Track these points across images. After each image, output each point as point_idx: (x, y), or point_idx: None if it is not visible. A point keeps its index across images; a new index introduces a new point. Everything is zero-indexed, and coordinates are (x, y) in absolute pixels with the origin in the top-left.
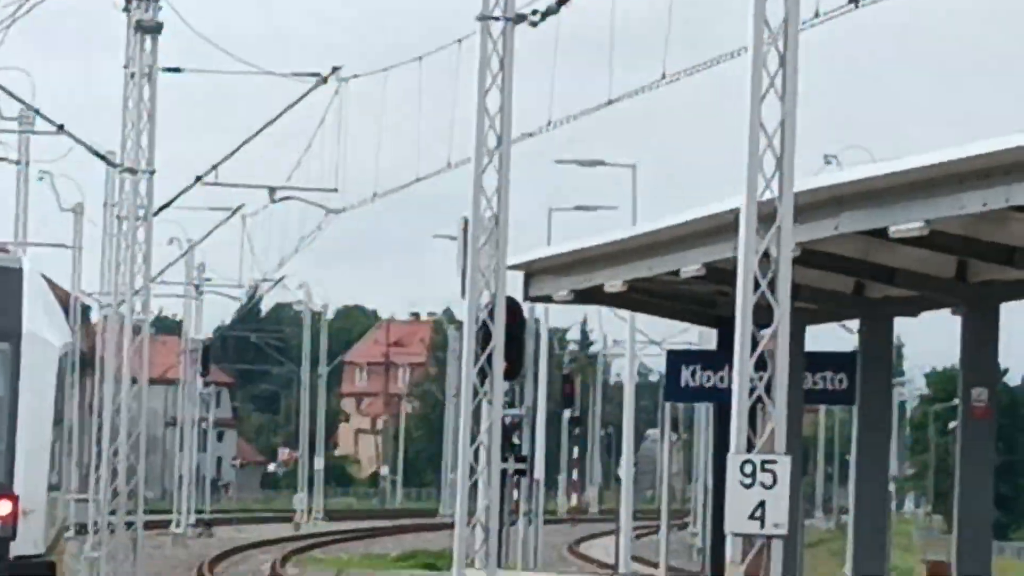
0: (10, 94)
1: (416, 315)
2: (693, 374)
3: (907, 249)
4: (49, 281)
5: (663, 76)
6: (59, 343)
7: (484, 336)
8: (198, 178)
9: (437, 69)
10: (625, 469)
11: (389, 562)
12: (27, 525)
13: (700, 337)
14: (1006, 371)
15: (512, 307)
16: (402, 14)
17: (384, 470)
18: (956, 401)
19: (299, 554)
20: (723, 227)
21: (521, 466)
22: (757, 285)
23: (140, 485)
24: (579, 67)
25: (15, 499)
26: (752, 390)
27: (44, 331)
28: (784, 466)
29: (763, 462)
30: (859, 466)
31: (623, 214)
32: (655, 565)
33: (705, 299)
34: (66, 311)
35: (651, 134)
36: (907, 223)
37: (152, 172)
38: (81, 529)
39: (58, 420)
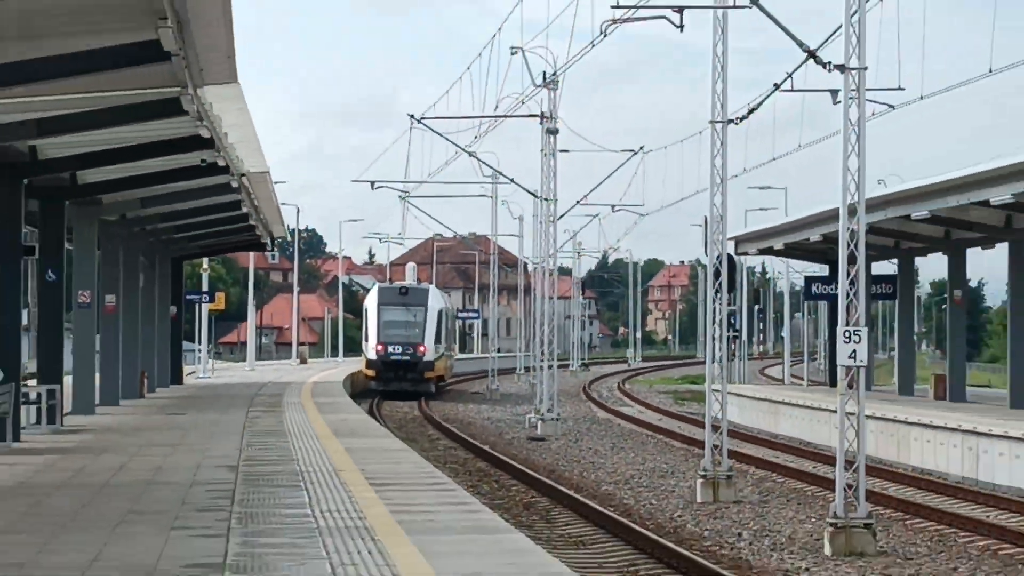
0: None
1: None
2: (818, 287)
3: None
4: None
5: None
6: (442, 307)
7: (717, 272)
8: None
9: None
10: (786, 334)
11: (672, 380)
12: (430, 360)
13: (821, 268)
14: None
15: (729, 259)
16: None
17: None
18: (947, 295)
19: (631, 379)
20: (833, 216)
21: (735, 333)
22: (848, 246)
23: (555, 344)
24: None
25: (423, 349)
26: (847, 295)
27: (436, 303)
28: (863, 333)
29: (853, 331)
30: (900, 326)
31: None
32: (800, 378)
33: (822, 251)
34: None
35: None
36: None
37: None
38: (528, 369)
39: (447, 327)
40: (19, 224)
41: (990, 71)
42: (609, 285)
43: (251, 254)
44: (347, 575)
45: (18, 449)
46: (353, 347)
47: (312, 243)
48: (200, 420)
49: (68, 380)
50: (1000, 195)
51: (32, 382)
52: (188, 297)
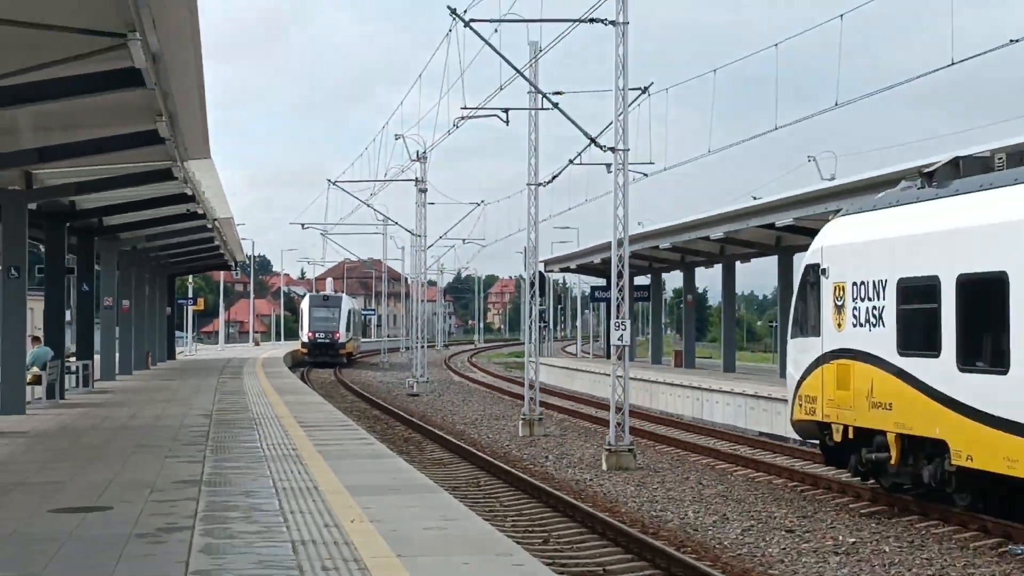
0: None
1: None
2: (599, 293)
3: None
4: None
5: None
6: (351, 307)
7: (532, 283)
8: None
9: None
10: (579, 324)
11: (504, 356)
12: (343, 342)
13: (600, 281)
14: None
15: (541, 275)
16: None
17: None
18: (683, 298)
19: (476, 355)
20: (608, 247)
21: (545, 324)
22: (617, 267)
23: (425, 331)
24: None
25: (338, 335)
26: (617, 299)
27: (347, 305)
28: (627, 323)
29: (621, 322)
30: (652, 319)
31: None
32: (588, 353)
33: (601, 269)
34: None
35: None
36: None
37: None
38: (408, 348)
39: (355, 320)
40: (63, 253)
41: (709, 151)
42: (462, 292)
43: (221, 272)
44: (284, 487)
45: (63, 404)
46: (291, 335)
47: (262, 265)
48: (186, 384)
49: (97, 357)
50: (716, 233)
51: (72, 359)
52: (179, 301)
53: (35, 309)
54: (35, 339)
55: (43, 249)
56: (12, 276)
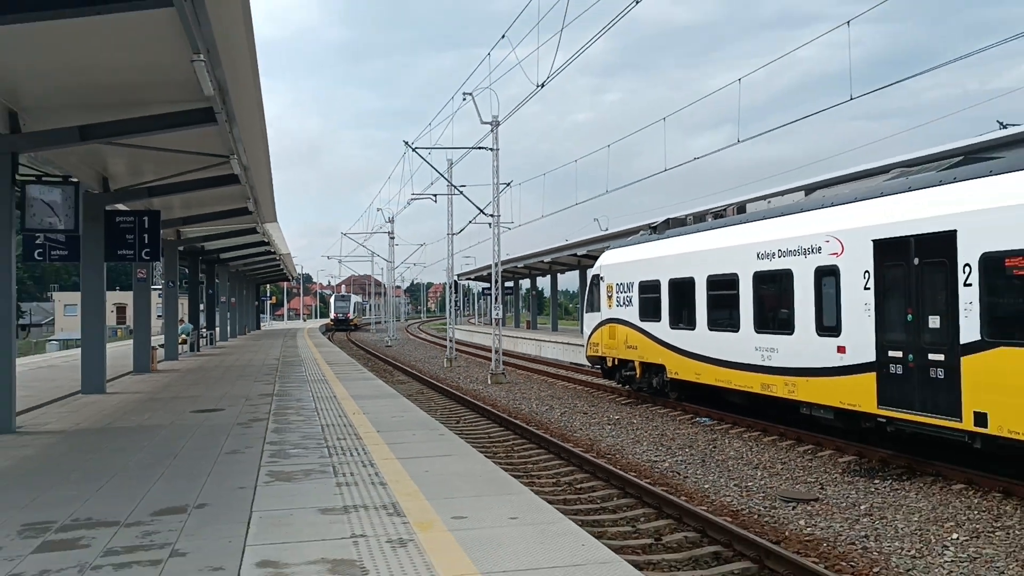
0: None
1: None
2: (485, 291)
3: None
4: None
5: None
6: (356, 300)
7: (451, 287)
8: None
9: None
10: (477, 309)
11: (437, 325)
12: (352, 319)
13: (487, 284)
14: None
15: (456, 282)
16: None
17: None
18: (530, 294)
19: (423, 324)
20: (490, 266)
21: (457, 308)
22: (496, 277)
23: (392, 313)
24: None
25: (350, 315)
26: (496, 294)
27: (354, 299)
28: (501, 307)
29: (496, 308)
30: (517, 308)
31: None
32: (480, 322)
33: (488, 277)
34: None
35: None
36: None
37: None
38: (386, 322)
39: (359, 308)
40: (197, 273)
41: (542, 216)
42: (415, 291)
43: (284, 282)
44: (317, 396)
45: (198, 355)
46: (323, 315)
47: (307, 278)
48: (266, 342)
49: (217, 329)
50: (547, 258)
51: (204, 329)
52: (261, 298)
53: (183, 304)
54: (181, 320)
55: (187, 271)
56: (170, 286)
